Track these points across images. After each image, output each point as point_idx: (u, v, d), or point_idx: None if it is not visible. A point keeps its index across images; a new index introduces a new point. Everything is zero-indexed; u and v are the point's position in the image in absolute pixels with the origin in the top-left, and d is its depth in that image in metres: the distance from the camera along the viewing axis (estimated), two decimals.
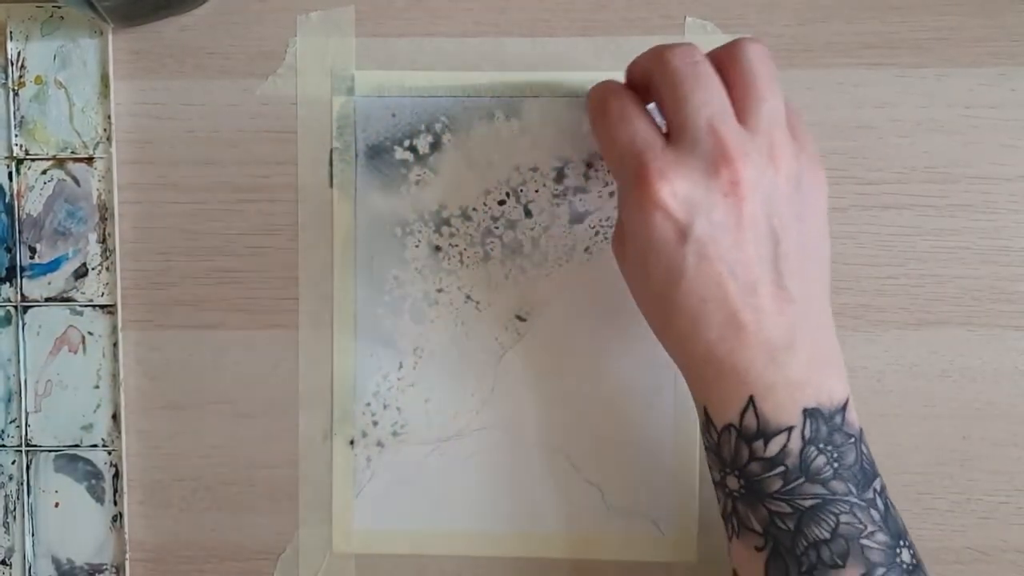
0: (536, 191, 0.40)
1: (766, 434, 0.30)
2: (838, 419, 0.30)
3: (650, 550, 0.40)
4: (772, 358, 0.30)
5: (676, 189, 0.29)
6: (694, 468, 0.39)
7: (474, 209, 0.40)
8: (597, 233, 0.39)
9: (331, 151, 0.40)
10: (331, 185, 0.40)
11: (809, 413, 0.30)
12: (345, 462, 0.40)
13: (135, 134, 0.40)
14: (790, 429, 0.29)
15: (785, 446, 0.29)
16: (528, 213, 0.40)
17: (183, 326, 0.40)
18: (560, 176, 0.39)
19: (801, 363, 0.30)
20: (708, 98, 0.30)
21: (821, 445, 0.30)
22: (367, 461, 0.40)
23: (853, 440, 0.30)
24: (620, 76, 0.40)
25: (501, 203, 0.40)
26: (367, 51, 0.40)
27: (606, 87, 0.34)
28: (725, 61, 0.31)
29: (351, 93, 0.40)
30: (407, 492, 0.40)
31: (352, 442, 0.40)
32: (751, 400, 0.30)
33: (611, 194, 0.39)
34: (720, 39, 0.39)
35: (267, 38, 0.40)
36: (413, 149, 0.40)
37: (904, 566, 0.29)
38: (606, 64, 0.39)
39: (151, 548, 0.41)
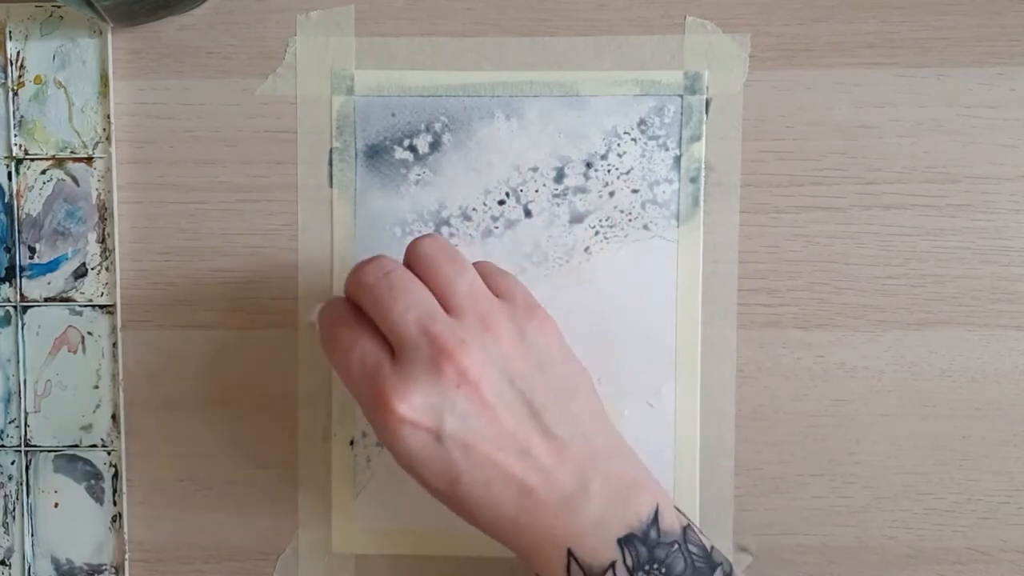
0: (536, 191, 0.39)
1: None
2: (653, 534, 0.31)
3: None
4: (571, 507, 0.30)
5: (413, 402, 0.30)
6: (694, 468, 0.39)
7: (474, 209, 0.40)
8: (597, 233, 0.39)
9: (331, 151, 0.40)
10: (331, 185, 0.40)
11: (623, 542, 0.30)
12: (345, 462, 0.40)
13: (134, 134, 0.40)
14: (612, 565, 0.30)
15: None
16: (528, 213, 0.40)
17: (182, 326, 0.40)
18: (560, 176, 0.39)
19: (600, 499, 0.31)
20: (409, 303, 0.31)
21: (646, 567, 0.30)
22: (367, 461, 0.40)
23: (676, 545, 0.31)
24: (619, 75, 0.40)
25: (501, 203, 0.40)
26: (367, 51, 0.40)
27: (332, 312, 0.33)
28: (411, 265, 0.33)
29: (351, 93, 0.40)
30: (407, 492, 0.40)
31: (352, 442, 0.40)
32: (569, 553, 0.30)
33: (611, 194, 0.39)
34: (720, 38, 0.39)
35: (267, 38, 0.40)
36: (413, 149, 0.40)
37: None
38: (606, 63, 0.39)
39: (150, 548, 0.41)
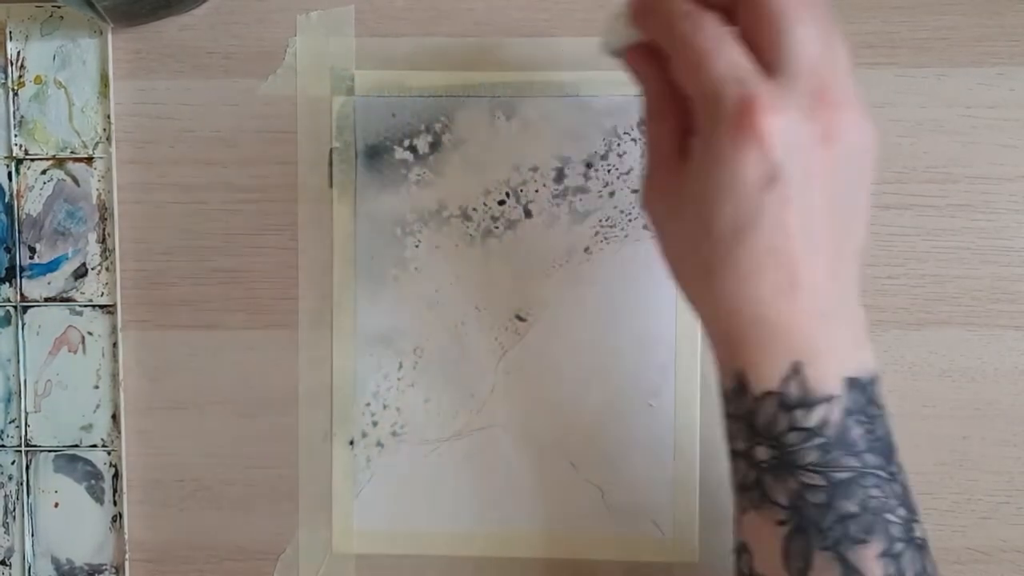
0: (536, 191, 0.39)
1: (809, 403, 0.28)
2: (872, 390, 0.29)
3: (651, 550, 0.39)
4: (822, 323, 0.29)
5: (780, 126, 0.27)
6: (695, 468, 0.39)
7: (474, 209, 0.40)
8: (597, 233, 0.39)
9: (331, 151, 0.40)
10: (331, 185, 0.40)
11: (851, 383, 0.29)
12: (345, 462, 0.40)
13: (135, 134, 0.40)
14: (831, 399, 0.28)
15: (827, 416, 0.28)
16: (528, 213, 0.40)
17: (183, 326, 0.40)
18: (560, 176, 0.39)
19: (845, 332, 0.29)
20: (813, 34, 0.27)
21: (859, 417, 0.29)
22: (367, 461, 0.40)
23: (882, 413, 0.30)
24: (619, 75, 0.40)
25: (501, 203, 0.40)
26: (367, 51, 0.40)
27: (678, 8, 0.29)
28: None
29: (351, 93, 0.40)
30: (407, 492, 0.40)
31: (352, 442, 0.40)
32: (797, 366, 0.28)
33: (611, 194, 0.39)
34: None
35: (267, 38, 0.40)
36: (413, 149, 0.40)
37: (917, 542, 0.29)
38: (606, 64, 0.39)
39: (151, 548, 0.41)
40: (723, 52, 0.28)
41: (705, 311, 0.31)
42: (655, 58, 0.31)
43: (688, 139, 0.30)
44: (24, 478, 0.41)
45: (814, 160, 0.28)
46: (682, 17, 0.29)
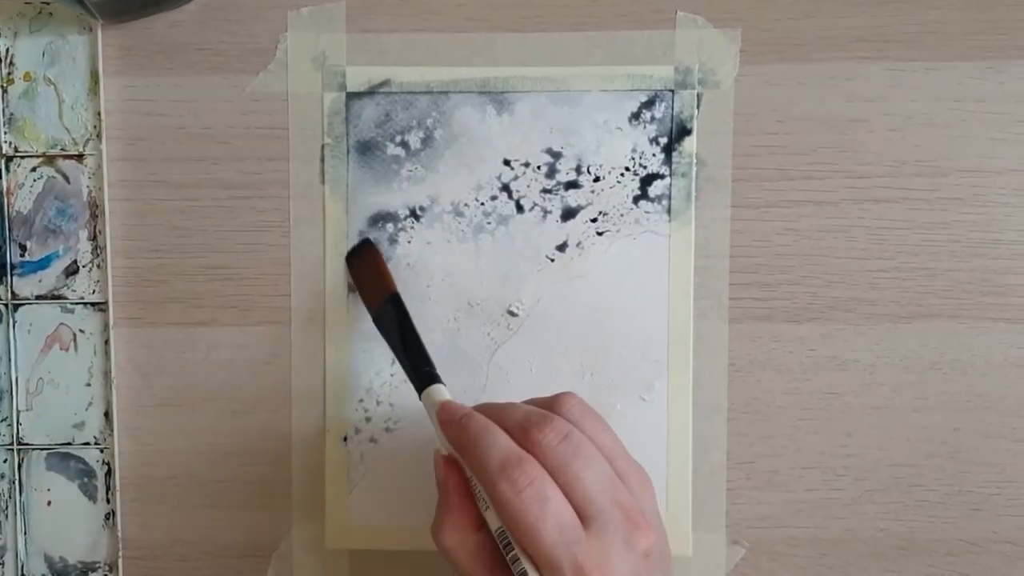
0: (527, 186, 0.40)
1: None
2: None
3: None
4: None
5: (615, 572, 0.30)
6: (687, 461, 0.39)
7: (466, 204, 0.40)
8: (588, 228, 0.39)
9: (322, 147, 0.40)
10: (323, 181, 0.40)
11: None
12: (338, 458, 0.40)
13: (125, 131, 0.40)
14: None
15: None
16: (520, 208, 0.40)
17: (175, 323, 0.40)
18: (551, 171, 0.39)
19: None
20: (596, 471, 0.31)
21: None
22: (360, 457, 0.40)
23: None
24: (610, 70, 0.40)
25: (493, 198, 0.40)
26: (358, 47, 0.40)
27: (503, 452, 0.31)
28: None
29: (342, 89, 0.40)
30: (401, 488, 0.40)
31: (345, 438, 0.40)
32: None
33: (603, 189, 0.39)
34: (711, 33, 0.39)
35: (258, 34, 0.40)
36: (404, 145, 0.40)
37: None
38: (597, 58, 0.39)
39: (144, 546, 0.41)
40: (550, 513, 0.29)
41: None
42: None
43: None
44: (16, 476, 0.40)
45: (640, 569, 0.30)
46: (509, 464, 0.30)
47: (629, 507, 0.30)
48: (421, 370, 0.35)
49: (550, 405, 0.33)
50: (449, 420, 0.33)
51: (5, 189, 0.40)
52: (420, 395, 0.35)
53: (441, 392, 0.34)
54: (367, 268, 0.39)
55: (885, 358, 0.39)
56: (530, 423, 0.31)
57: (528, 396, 0.40)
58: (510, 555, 0.30)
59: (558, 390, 0.38)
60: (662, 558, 0.32)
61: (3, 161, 0.40)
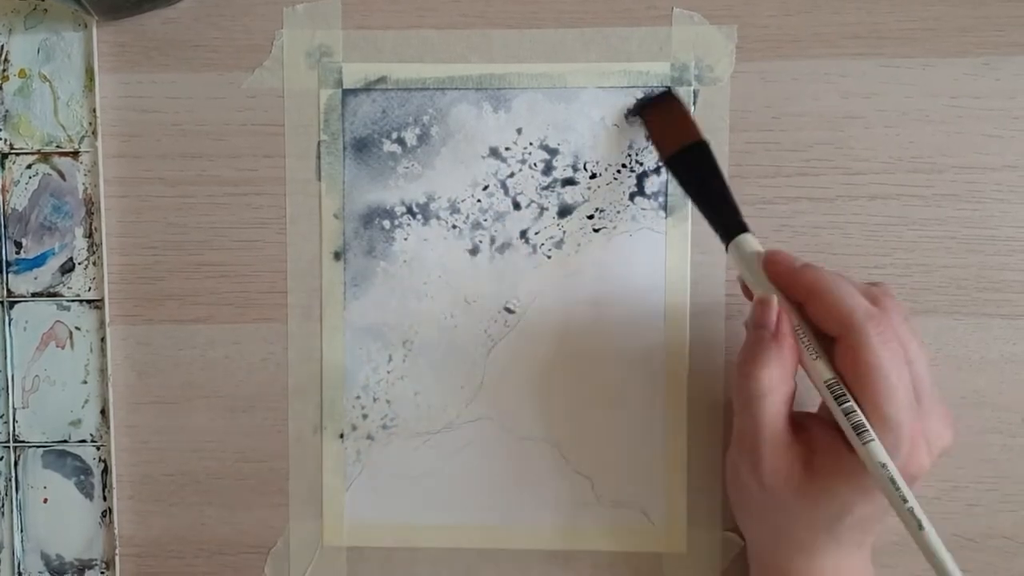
0: (524, 183, 0.39)
1: None
2: None
3: (640, 540, 0.40)
4: None
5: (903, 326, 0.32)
6: (683, 458, 0.39)
7: (462, 201, 0.40)
8: (585, 224, 0.39)
9: (318, 144, 0.40)
10: (319, 178, 0.40)
11: None
12: (335, 455, 0.40)
13: (121, 128, 0.40)
14: None
15: None
16: (516, 205, 0.40)
17: (171, 320, 0.40)
18: (548, 168, 0.39)
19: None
20: (925, 360, 0.32)
21: None
22: (357, 454, 0.40)
23: None
24: (606, 67, 0.40)
25: (490, 195, 0.40)
26: (354, 43, 0.40)
27: (871, 311, 0.32)
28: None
29: (338, 85, 0.39)
30: (397, 485, 0.40)
31: (342, 435, 0.40)
32: None
33: (599, 186, 0.39)
34: (707, 30, 0.39)
35: (253, 31, 0.40)
36: (401, 141, 0.40)
37: None
38: (593, 55, 0.39)
39: (141, 543, 0.41)
40: (904, 373, 0.31)
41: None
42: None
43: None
44: (13, 474, 0.40)
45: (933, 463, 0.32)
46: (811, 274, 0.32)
47: (939, 404, 0.32)
48: (732, 219, 0.35)
49: (872, 291, 0.33)
50: (790, 266, 0.33)
51: (0, 186, 0.40)
52: (727, 244, 0.35)
53: (754, 242, 0.34)
54: (665, 117, 0.38)
55: None
56: (879, 292, 0.33)
57: (526, 392, 0.40)
58: (844, 405, 0.31)
59: (555, 387, 0.38)
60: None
61: None
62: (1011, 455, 0.39)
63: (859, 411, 0.31)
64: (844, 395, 0.31)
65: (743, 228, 0.35)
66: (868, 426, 0.30)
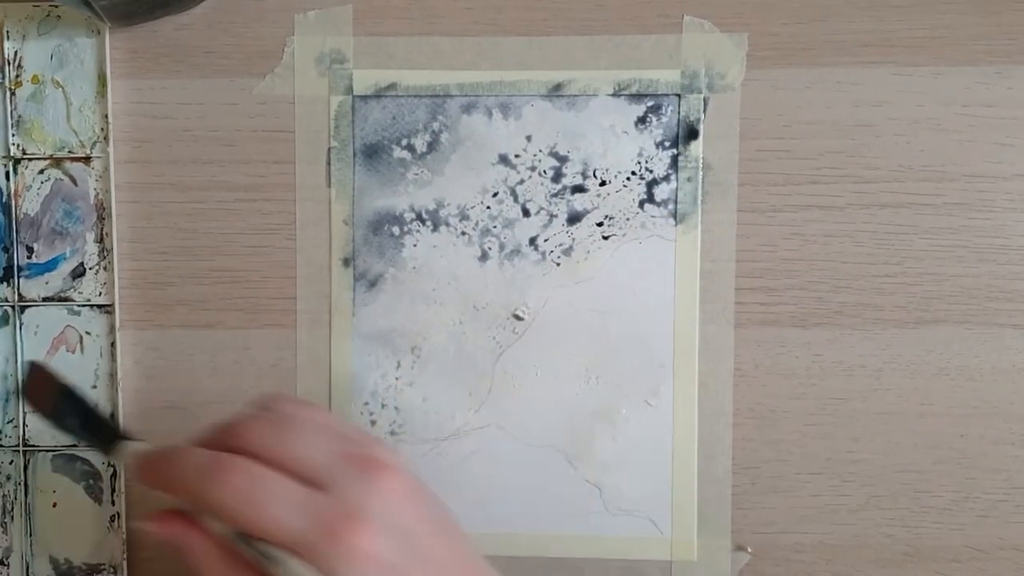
0: (534, 190, 0.40)
1: None
2: None
3: (649, 549, 0.40)
4: None
5: (371, 533, 0.28)
6: (693, 466, 0.39)
7: (472, 208, 0.40)
8: (594, 232, 0.39)
9: (329, 150, 0.40)
10: (329, 184, 0.40)
11: None
12: None
13: (132, 133, 0.40)
14: None
15: None
16: (526, 212, 0.40)
17: (181, 326, 0.40)
18: (558, 175, 0.39)
19: None
20: (317, 438, 0.30)
21: None
22: None
23: None
24: (617, 75, 0.40)
25: (499, 202, 0.40)
26: (365, 50, 0.40)
27: (205, 463, 0.30)
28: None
29: (349, 92, 0.40)
30: None
31: None
32: None
33: (609, 193, 0.39)
34: (718, 37, 0.39)
35: (264, 37, 0.40)
36: (411, 148, 0.40)
37: None
38: (604, 62, 0.39)
39: (149, 548, 0.41)
40: (275, 495, 0.28)
41: None
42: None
43: None
44: (22, 478, 0.41)
45: (401, 505, 0.29)
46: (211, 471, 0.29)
47: (362, 455, 0.29)
48: (110, 434, 0.33)
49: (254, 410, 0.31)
50: (145, 466, 0.31)
51: (13, 191, 0.40)
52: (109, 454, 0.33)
53: (133, 446, 0.32)
54: (38, 387, 0.35)
55: (892, 363, 0.39)
56: (232, 423, 0.30)
57: (534, 399, 0.40)
58: (256, 550, 0.28)
59: (563, 394, 0.38)
60: (425, 496, 0.30)
61: (11, 163, 0.40)
62: (1022, 465, 0.39)
63: (263, 547, 0.28)
64: (248, 542, 0.29)
65: (123, 436, 0.33)
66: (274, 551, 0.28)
